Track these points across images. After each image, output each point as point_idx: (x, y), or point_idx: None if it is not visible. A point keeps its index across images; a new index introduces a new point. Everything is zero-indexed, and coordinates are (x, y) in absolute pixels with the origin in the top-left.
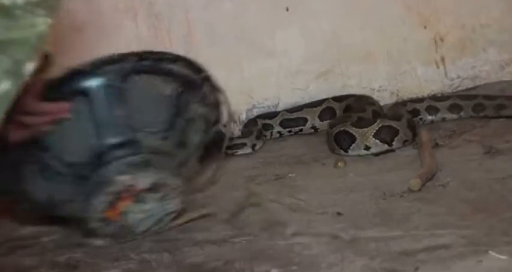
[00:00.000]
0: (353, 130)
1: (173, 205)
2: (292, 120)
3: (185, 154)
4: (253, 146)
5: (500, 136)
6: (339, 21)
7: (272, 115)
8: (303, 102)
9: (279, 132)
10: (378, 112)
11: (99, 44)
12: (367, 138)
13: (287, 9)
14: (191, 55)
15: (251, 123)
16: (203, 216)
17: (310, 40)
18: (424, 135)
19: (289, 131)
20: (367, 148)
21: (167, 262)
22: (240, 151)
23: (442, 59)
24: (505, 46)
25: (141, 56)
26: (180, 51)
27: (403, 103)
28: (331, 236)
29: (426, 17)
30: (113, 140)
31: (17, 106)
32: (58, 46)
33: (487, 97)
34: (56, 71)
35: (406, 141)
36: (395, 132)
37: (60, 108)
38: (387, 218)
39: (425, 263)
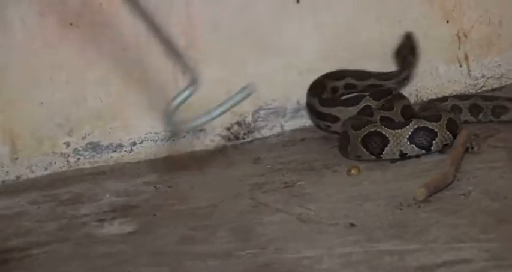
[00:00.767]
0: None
1: None
2: None
3: None
4: None
5: None
6: (354, 14)
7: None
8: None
9: None
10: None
11: (95, 39)
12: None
13: (297, 1)
14: (191, 52)
15: None
16: None
17: (323, 35)
18: (461, 136)
19: None
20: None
21: None
22: None
23: (466, 57)
24: None
25: None
26: (180, 48)
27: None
28: (343, 250)
29: (449, 10)
30: None
31: None
32: None
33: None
34: None
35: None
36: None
37: None
38: (403, 230)
39: None
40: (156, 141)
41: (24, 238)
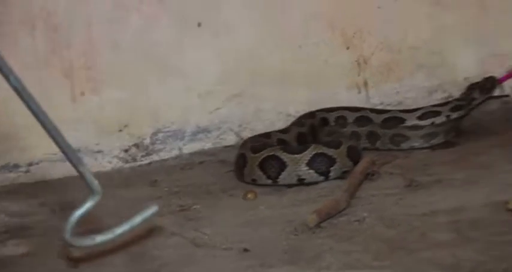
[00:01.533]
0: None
1: None
2: None
3: None
4: None
5: (422, 168)
6: (255, 38)
7: None
8: (211, 127)
9: None
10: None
11: None
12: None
13: (199, 25)
14: (92, 73)
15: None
16: None
17: (223, 59)
18: (362, 163)
19: None
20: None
21: None
22: None
23: (365, 83)
24: (434, 70)
25: None
26: (80, 67)
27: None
28: None
29: (349, 36)
30: None
31: None
32: None
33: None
34: None
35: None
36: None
37: None
38: (297, 255)
39: None
40: (54, 161)
41: None
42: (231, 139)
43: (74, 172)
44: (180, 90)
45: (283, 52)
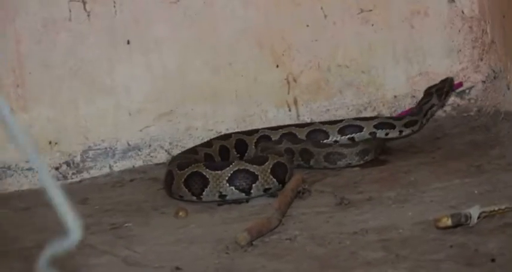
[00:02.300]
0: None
1: None
2: None
3: None
4: None
5: (353, 186)
6: (184, 56)
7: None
8: (142, 144)
9: None
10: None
11: None
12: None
13: (128, 42)
14: (20, 91)
15: None
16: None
17: (153, 77)
18: (292, 181)
19: None
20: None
21: None
22: None
23: (295, 101)
24: (363, 88)
25: None
26: (8, 86)
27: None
28: None
29: (279, 54)
30: None
31: None
32: None
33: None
34: None
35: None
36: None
37: None
38: None
39: None
40: None
41: None
42: (161, 157)
43: (2, 190)
44: (110, 108)
45: (213, 70)
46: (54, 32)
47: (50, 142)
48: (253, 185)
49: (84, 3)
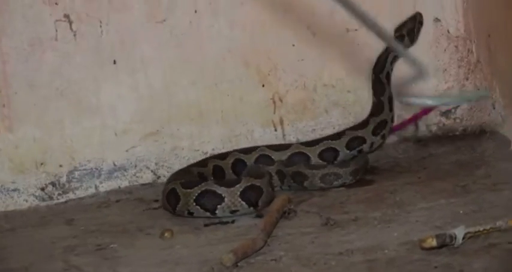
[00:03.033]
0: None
1: None
2: None
3: None
4: None
5: (339, 206)
6: (170, 76)
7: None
8: (127, 165)
9: None
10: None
11: None
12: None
13: (114, 62)
14: (6, 111)
15: None
16: None
17: (139, 97)
18: (277, 201)
19: None
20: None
21: None
22: None
23: (281, 121)
24: (349, 108)
25: None
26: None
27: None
28: None
29: (264, 74)
30: None
31: None
32: None
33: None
34: None
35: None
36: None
37: None
38: None
39: None
40: None
41: None
42: (147, 177)
43: None
44: (96, 128)
45: (198, 90)
46: (40, 52)
47: (36, 163)
48: (219, 206)
49: (71, 22)
